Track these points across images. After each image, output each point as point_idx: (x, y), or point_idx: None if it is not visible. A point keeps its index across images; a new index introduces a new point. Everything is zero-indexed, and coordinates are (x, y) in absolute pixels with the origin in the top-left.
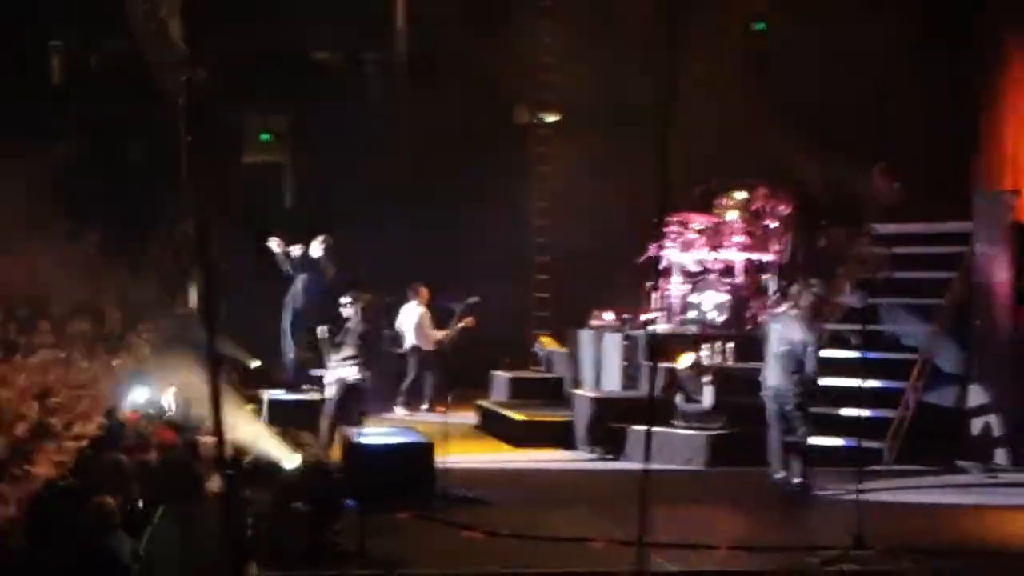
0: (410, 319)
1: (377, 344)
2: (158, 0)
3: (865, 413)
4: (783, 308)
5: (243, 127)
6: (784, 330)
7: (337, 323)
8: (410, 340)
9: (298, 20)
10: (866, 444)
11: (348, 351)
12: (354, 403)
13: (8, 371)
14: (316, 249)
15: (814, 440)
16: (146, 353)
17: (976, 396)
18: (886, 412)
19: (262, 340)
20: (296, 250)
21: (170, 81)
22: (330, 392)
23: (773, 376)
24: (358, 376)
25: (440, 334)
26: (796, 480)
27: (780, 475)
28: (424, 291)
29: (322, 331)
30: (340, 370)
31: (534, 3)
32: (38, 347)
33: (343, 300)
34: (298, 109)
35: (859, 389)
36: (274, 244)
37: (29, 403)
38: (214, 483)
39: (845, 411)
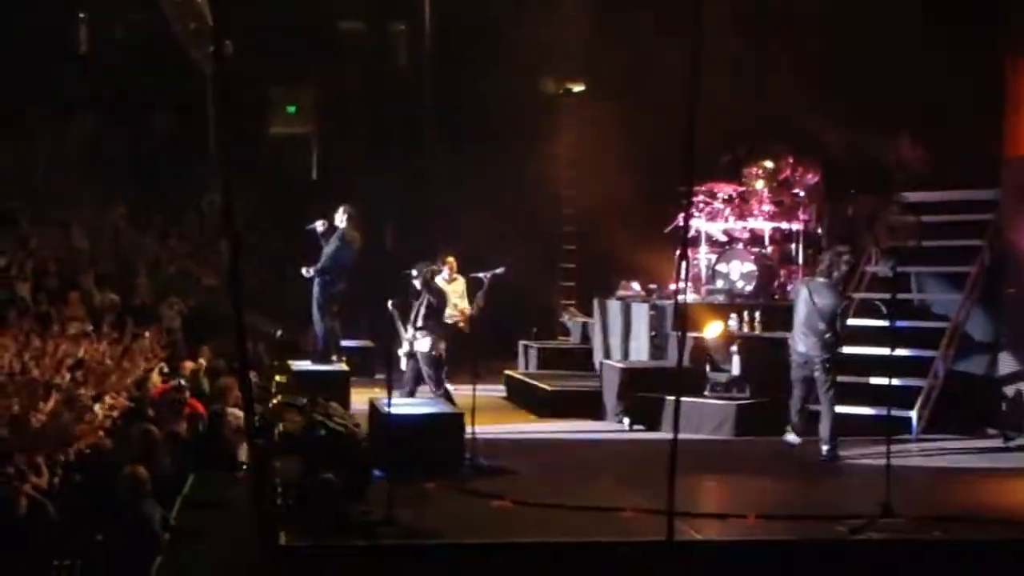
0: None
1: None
2: None
3: (895, 382)
4: (815, 276)
5: (270, 99)
6: (815, 297)
7: (398, 295)
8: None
9: None
10: (896, 413)
11: (419, 322)
12: (433, 371)
13: (40, 343)
14: (340, 219)
15: (842, 408)
16: (176, 324)
17: (1006, 363)
18: (916, 381)
19: (290, 311)
20: (320, 225)
21: (197, 53)
22: (404, 364)
23: (802, 342)
24: (429, 346)
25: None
26: (825, 447)
27: (793, 439)
28: (452, 260)
29: (392, 304)
30: (415, 342)
31: None
32: (69, 319)
33: (412, 272)
34: (325, 81)
35: (889, 358)
36: (318, 224)
37: (62, 375)
38: (243, 453)
39: (874, 380)
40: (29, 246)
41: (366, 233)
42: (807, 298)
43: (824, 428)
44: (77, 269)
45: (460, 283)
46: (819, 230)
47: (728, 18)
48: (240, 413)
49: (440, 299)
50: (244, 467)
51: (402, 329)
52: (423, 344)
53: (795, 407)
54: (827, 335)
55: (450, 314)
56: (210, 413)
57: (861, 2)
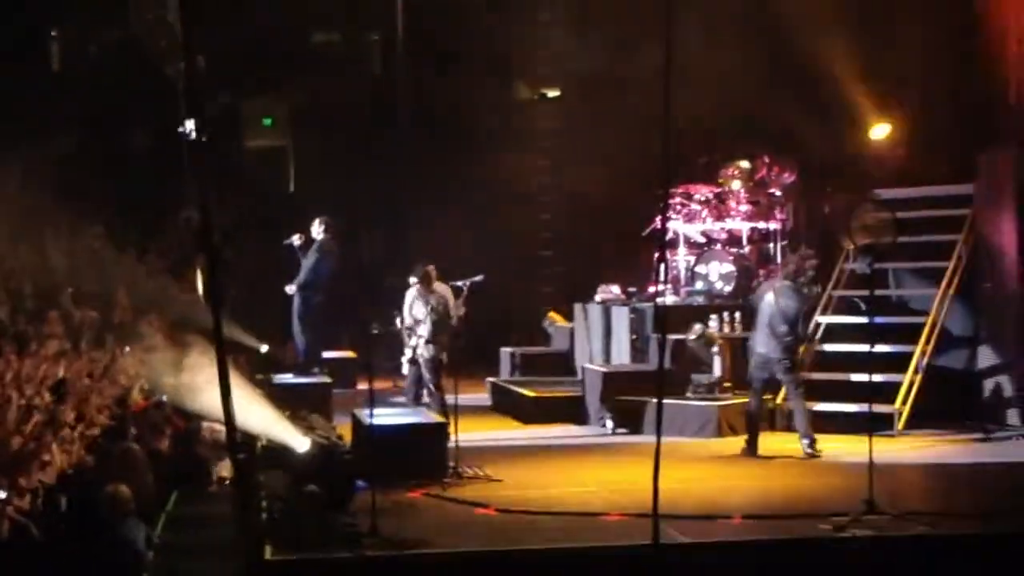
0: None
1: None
2: None
3: (875, 378)
4: (780, 278)
5: (245, 112)
6: (779, 299)
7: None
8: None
9: (297, 1)
10: (877, 409)
11: (424, 328)
12: (434, 376)
13: (19, 364)
14: (316, 231)
15: (823, 406)
16: (156, 341)
17: (985, 358)
18: (896, 376)
19: (270, 324)
20: (296, 239)
21: (170, 69)
22: (406, 370)
23: (763, 344)
24: (433, 352)
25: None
26: (806, 442)
27: (750, 447)
28: (431, 269)
29: (400, 317)
30: (418, 349)
31: None
32: (48, 338)
33: (411, 280)
34: (299, 92)
35: (869, 354)
36: (295, 239)
37: (41, 395)
38: (223, 468)
39: (855, 376)
40: (5, 266)
41: (343, 244)
42: (771, 300)
43: (800, 424)
44: (55, 288)
45: (446, 290)
46: (795, 229)
47: (701, 20)
48: (217, 427)
49: (444, 304)
50: (221, 481)
51: (406, 336)
52: (428, 350)
53: (752, 412)
54: (787, 337)
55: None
56: (184, 429)
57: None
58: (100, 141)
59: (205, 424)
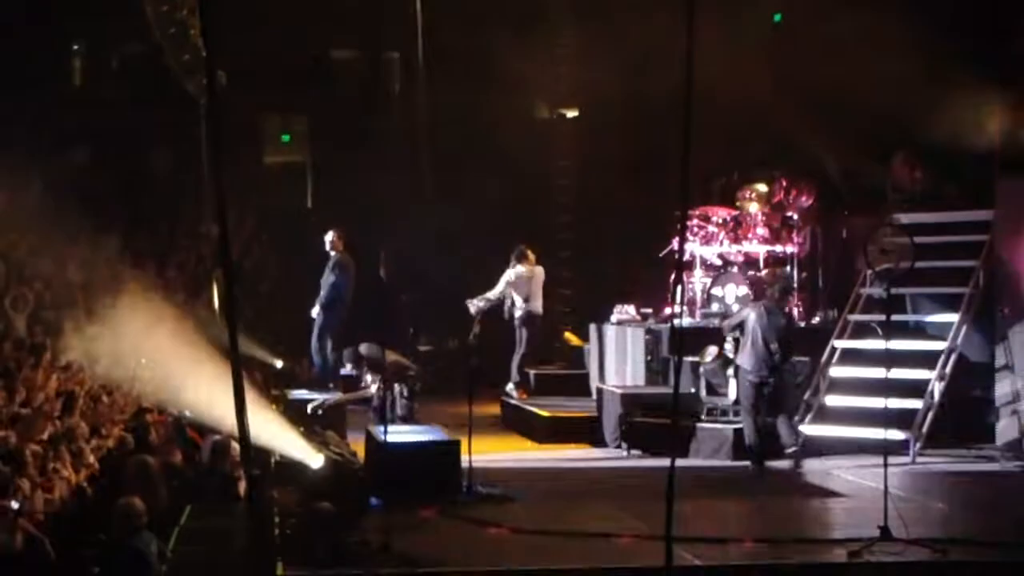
0: (522, 283)
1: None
2: (177, 2)
3: (891, 403)
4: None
5: (264, 128)
6: (764, 319)
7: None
8: (521, 307)
9: (317, 20)
10: (892, 435)
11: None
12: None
13: (34, 375)
14: (329, 244)
15: (839, 431)
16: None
17: (1002, 385)
18: (912, 402)
19: (287, 338)
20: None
21: (190, 84)
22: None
23: (751, 364)
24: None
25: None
26: (790, 447)
27: (755, 464)
28: (530, 252)
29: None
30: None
31: None
32: (63, 350)
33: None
34: (318, 109)
35: (885, 380)
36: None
37: (55, 406)
38: (243, 485)
39: (871, 402)
40: (24, 277)
41: (360, 258)
42: (756, 320)
43: (783, 430)
44: (72, 300)
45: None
46: (812, 253)
47: (722, 44)
48: (236, 443)
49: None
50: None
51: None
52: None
53: (748, 431)
54: (775, 355)
55: (526, 310)
56: (213, 444)
57: (856, 24)
58: (121, 155)
59: (227, 440)
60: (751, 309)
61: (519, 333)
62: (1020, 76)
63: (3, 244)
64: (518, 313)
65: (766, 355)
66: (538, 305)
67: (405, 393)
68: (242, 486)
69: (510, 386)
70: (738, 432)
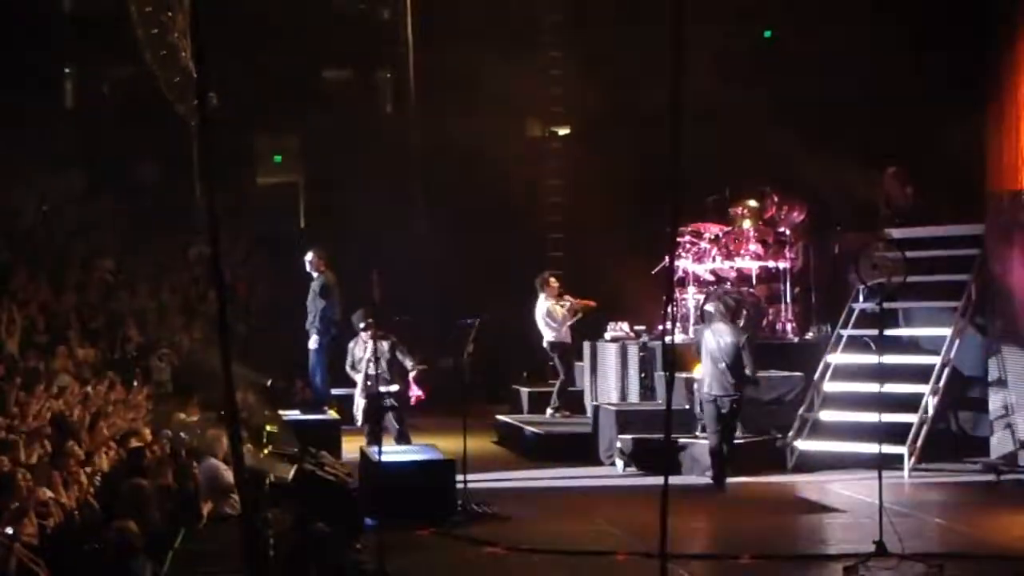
0: (540, 314)
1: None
2: (167, 25)
3: (885, 418)
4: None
5: (256, 149)
6: (717, 338)
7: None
8: (547, 336)
9: (307, 40)
10: (886, 450)
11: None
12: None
13: (26, 399)
14: (309, 265)
15: (833, 446)
16: (166, 376)
17: (996, 398)
18: (906, 416)
19: (279, 359)
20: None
21: (182, 106)
22: None
23: (710, 383)
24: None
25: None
26: (713, 472)
27: (711, 474)
28: (553, 282)
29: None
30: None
31: (542, 17)
32: (56, 373)
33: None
34: (309, 129)
35: (878, 394)
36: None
37: (47, 430)
38: (226, 506)
39: (865, 416)
40: (17, 300)
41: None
42: (710, 340)
43: (715, 449)
44: (65, 323)
45: (555, 304)
46: (805, 268)
47: (712, 60)
48: (214, 463)
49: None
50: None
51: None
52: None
53: (712, 448)
54: (732, 373)
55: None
56: (177, 466)
57: (848, 41)
58: (113, 177)
59: (210, 462)
60: (705, 328)
61: (555, 361)
62: (1001, 92)
63: None
64: (548, 340)
65: (718, 374)
66: (564, 333)
67: (394, 418)
68: (224, 507)
69: (549, 411)
70: (731, 449)
